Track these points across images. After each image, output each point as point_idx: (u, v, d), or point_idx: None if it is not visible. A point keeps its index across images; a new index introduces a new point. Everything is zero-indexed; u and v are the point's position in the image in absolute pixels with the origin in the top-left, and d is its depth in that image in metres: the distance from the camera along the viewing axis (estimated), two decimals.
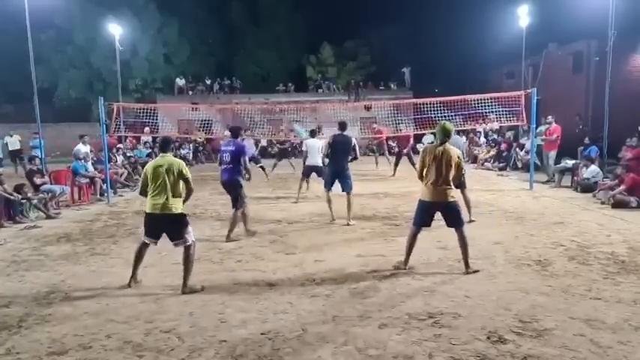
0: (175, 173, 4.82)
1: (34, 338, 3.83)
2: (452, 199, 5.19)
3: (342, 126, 7.98)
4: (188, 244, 4.84)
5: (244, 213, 7.11)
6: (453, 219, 5.24)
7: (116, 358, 3.49)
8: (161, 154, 5.04)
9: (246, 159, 7.00)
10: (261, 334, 3.80)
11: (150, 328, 3.97)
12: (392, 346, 3.55)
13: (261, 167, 14.03)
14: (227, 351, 3.54)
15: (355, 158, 8.08)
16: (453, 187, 5.23)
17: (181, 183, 4.89)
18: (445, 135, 5.24)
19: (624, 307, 4.18)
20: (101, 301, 4.59)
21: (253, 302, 4.48)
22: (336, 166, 7.83)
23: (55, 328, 3.99)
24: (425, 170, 5.22)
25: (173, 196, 4.82)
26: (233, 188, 6.98)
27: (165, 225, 4.87)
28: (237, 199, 6.98)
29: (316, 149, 9.87)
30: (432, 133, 20.46)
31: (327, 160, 8.20)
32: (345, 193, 7.88)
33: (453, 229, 5.27)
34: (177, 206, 4.85)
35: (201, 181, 13.41)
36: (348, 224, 7.69)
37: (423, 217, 5.30)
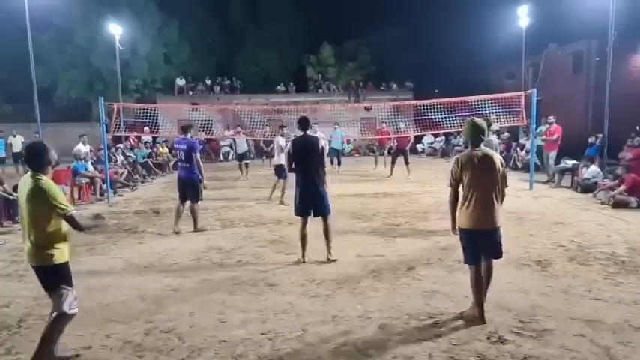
0: (37, 202, 3.17)
1: (34, 338, 3.81)
2: (499, 225, 3.94)
3: (303, 124, 5.74)
4: (58, 311, 3.29)
5: (194, 209, 7.49)
6: (495, 249, 3.98)
7: (116, 358, 3.49)
8: (28, 171, 3.27)
9: (198, 155, 7.49)
10: (261, 334, 3.80)
11: (150, 328, 3.97)
12: (392, 346, 3.55)
13: (246, 164, 14.19)
14: (227, 351, 3.54)
15: (322, 167, 5.77)
16: (500, 205, 3.95)
17: (55, 217, 3.20)
18: (479, 134, 3.88)
19: (624, 308, 4.18)
20: (101, 301, 4.58)
21: (253, 302, 4.48)
22: (306, 183, 5.61)
23: None
24: (460, 188, 3.96)
25: (41, 237, 3.19)
26: (191, 185, 7.45)
27: (40, 277, 3.32)
28: (195, 195, 7.45)
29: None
30: (433, 135, 20.57)
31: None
32: (320, 217, 5.68)
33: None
34: (49, 251, 3.21)
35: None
36: (328, 259, 5.69)
37: (474, 251, 3.95)
